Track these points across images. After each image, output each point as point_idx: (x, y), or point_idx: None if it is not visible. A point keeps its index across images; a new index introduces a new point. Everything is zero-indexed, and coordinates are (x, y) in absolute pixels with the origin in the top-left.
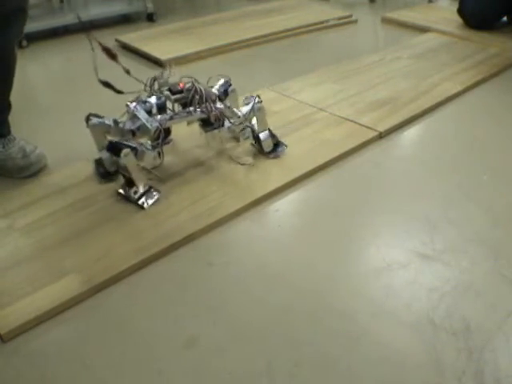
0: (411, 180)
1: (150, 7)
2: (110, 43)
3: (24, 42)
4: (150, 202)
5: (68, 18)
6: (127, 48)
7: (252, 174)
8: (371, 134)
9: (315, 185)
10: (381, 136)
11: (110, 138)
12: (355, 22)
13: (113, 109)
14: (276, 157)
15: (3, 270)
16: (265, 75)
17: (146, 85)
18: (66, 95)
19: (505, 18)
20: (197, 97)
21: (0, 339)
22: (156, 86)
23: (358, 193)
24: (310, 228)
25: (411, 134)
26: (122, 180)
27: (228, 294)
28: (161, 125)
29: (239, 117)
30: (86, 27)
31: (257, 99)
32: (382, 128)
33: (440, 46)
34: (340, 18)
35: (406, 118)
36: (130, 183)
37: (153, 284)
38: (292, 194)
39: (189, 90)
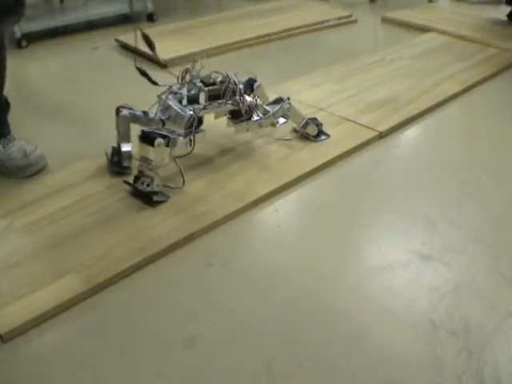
0: (411, 180)
1: (150, 7)
2: (110, 43)
3: (24, 42)
4: (158, 198)
5: (68, 18)
6: (127, 48)
7: (251, 173)
8: (371, 134)
9: (315, 185)
10: (381, 136)
11: (142, 128)
12: (355, 21)
13: (112, 108)
14: (320, 140)
15: (3, 270)
16: (265, 75)
17: (178, 77)
18: (65, 95)
19: (505, 18)
20: (229, 89)
21: (0, 339)
22: (187, 78)
23: (358, 193)
24: (310, 228)
25: (411, 133)
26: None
27: (228, 293)
28: (195, 113)
29: (267, 111)
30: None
31: (286, 100)
32: (381, 128)
33: (440, 46)
34: (340, 18)
35: (405, 117)
36: (142, 176)
37: (152, 284)
38: (292, 193)
39: (222, 82)
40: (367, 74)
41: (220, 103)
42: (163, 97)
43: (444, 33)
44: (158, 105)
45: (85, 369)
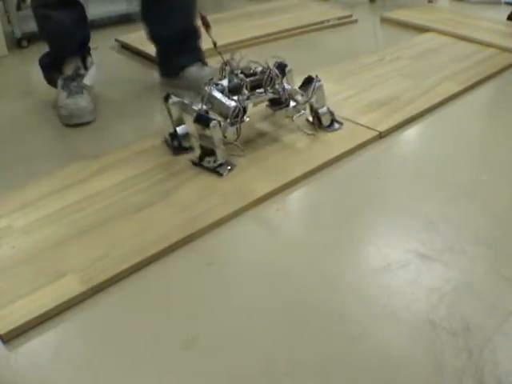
0: (411, 180)
1: None
2: (110, 43)
3: (24, 42)
4: (227, 171)
5: None
6: (127, 48)
7: (251, 173)
8: (371, 134)
9: (315, 185)
10: (381, 136)
11: (196, 110)
12: (355, 21)
13: (112, 108)
14: (333, 131)
15: (3, 270)
16: None
17: (221, 66)
18: None
19: (505, 18)
20: (270, 79)
21: (0, 339)
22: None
23: (357, 193)
24: (310, 228)
25: (411, 134)
26: (197, 152)
27: (228, 294)
28: (240, 103)
29: (302, 95)
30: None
31: (317, 79)
32: (381, 128)
33: (440, 46)
34: (340, 18)
35: (405, 117)
36: (207, 154)
37: (152, 284)
38: (292, 193)
39: (263, 72)
40: (367, 74)
41: (262, 92)
42: (207, 88)
43: (444, 33)
44: (201, 95)
45: (85, 369)
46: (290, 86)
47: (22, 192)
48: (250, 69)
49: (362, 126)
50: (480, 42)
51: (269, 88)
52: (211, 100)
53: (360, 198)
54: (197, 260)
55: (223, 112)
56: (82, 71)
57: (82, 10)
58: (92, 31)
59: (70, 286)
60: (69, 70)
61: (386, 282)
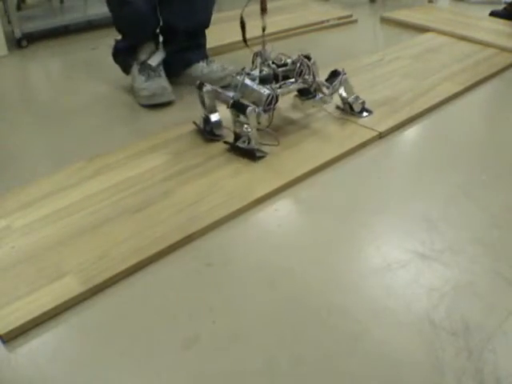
0: (411, 180)
1: None
2: (110, 43)
3: (24, 42)
4: (260, 154)
5: (68, 18)
6: None
7: (251, 174)
8: (371, 134)
9: (315, 185)
10: (381, 136)
11: (233, 98)
12: (355, 21)
13: (112, 108)
14: (365, 117)
15: (3, 270)
16: None
17: (253, 57)
18: (65, 95)
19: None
20: (302, 69)
21: (0, 339)
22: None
23: (357, 193)
24: (310, 228)
25: (411, 134)
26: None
27: (228, 294)
28: (274, 92)
29: (328, 87)
30: None
31: (343, 72)
32: (381, 128)
33: (440, 46)
34: (340, 18)
35: (405, 118)
36: (241, 137)
37: (152, 284)
38: (292, 193)
39: (294, 63)
40: (367, 74)
41: (293, 82)
42: (239, 78)
43: (444, 33)
44: (232, 84)
45: (85, 369)
46: (317, 77)
47: (21, 192)
48: (281, 59)
49: (362, 126)
50: (480, 42)
51: (299, 78)
52: (242, 89)
53: (360, 198)
54: (196, 260)
55: (256, 100)
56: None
57: None
58: (92, 31)
59: (70, 287)
60: (143, 55)
61: (386, 281)
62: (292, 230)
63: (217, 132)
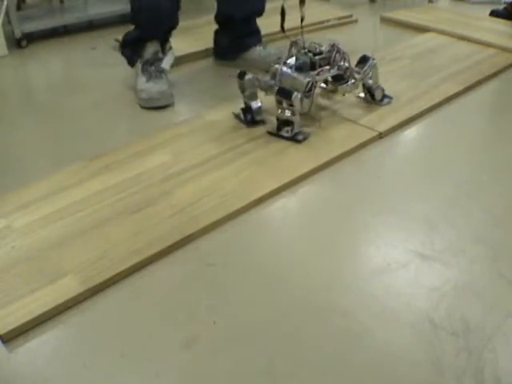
0: (411, 180)
1: None
2: (110, 43)
3: (24, 42)
4: (301, 137)
5: (68, 18)
6: None
7: (251, 173)
8: (371, 134)
9: (315, 185)
10: (381, 136)
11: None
12: (355, 21)
13: (112, 108)
14: (387, 104)
15: (2, 270)
16: None
17: (289, 46)
18: (65, 95)
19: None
20: (338, 56)
21: (0, 339)
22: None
23: (357, 193)
24: (310, 228)
25: (411, 134)
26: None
27: (228, 294)
28: (313, 79)
29: (359, 72)
30: None
31: (372, 57)
32: (381, 128)
33: (440, 46)
34: (340, 18)
35: (405, 118)
36: (283, 125)
37: (152, 284)
38: (292, 193)
39: (330, 51)
40: None
41: (329, 69)
42: (277, 66)
43: (444, 33)
44: (271, 72)
45: (84, 369)
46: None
47: (21, 192)
48: (315, 48)
49: (362, 125)
50: (480, 42)
51: (336, 65)
52: (280, 77)
53: (360, 198)
54: (197, 260)
55: (294, 87)
56: (160, 55)
57: None
58: (92, 31)
59: (70, 287)
60: (148, 54)
61: (387, 281)
62: (292, 230)
63: (257, 118)
